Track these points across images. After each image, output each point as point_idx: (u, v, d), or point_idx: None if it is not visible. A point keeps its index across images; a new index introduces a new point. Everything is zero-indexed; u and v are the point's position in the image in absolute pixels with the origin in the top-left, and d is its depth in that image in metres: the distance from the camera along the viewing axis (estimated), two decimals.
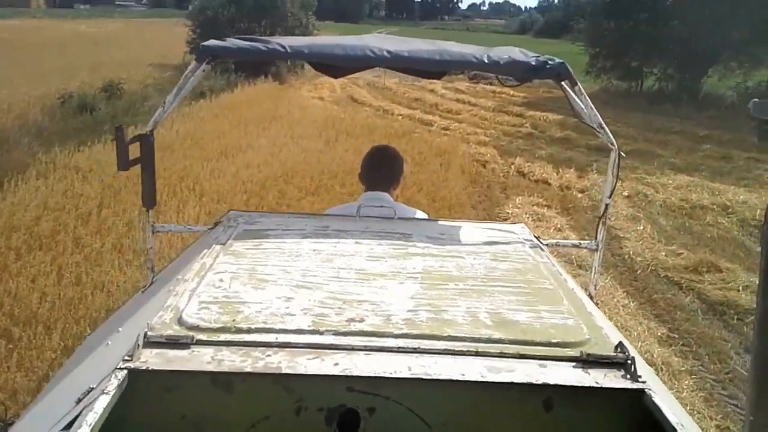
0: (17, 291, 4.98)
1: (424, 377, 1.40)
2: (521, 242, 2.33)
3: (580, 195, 9.85)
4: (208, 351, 1.45)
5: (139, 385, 1.38)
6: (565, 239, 7.64)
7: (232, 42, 2.39)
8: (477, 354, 1.50)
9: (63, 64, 20.38)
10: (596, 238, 2.72)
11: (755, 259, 6.98)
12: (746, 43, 19.64)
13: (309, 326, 1.56)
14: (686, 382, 4.81)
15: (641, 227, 8.29)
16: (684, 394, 4.63)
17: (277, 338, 1.50)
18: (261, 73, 19.87)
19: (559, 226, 8.21)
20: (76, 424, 1.23)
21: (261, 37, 2.49)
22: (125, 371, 1.37)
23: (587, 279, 2.93)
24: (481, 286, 1.87)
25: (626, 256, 7.40)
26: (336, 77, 3.07)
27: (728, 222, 8.74)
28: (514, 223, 2.69)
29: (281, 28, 22.58)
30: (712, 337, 5.57)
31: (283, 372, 1.39)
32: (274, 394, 1.45)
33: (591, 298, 2.57)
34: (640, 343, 5.25)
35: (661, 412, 1.35)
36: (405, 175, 3.03)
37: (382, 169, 2.88)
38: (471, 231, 2.44)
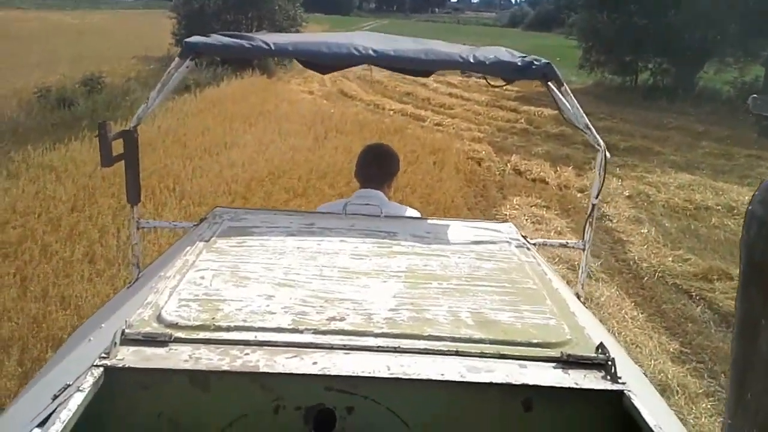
0: None
1: (402, 377, 1.39)
2: (507, 241, 2.31)
3: (579, 195, 9.46)
4: (186, 349, 1.44)
5: (115, 382, 1.37)
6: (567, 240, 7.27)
7: (215, 38, 2.38)
8: (457, 354, 1.49)
9: (44, 56, 19.78)
10: (583, 238, 2.71)
11: None
12: (742, 38, 19.33)
13: (289, 325, 1.55)
14: (704, 405, 4.43)
15: (645, 230, 7.91)
16: (703, 419, 4.26)
17: (256, 336, 1.49)
18: (248, 66, 19.29)
19: (559, 228, 7.82)
20: (49, 421, 1.22)
21: (245, 33, 2.49)
22: (101, 369, 1.35)
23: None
24: (464, 285, 1.86)
25: (631, 262, 7.02)
26: (323, 74, 3.36)
27: (734, 224, 8.37)
28: (502, 222, 2.66)
29: (268, 20, 22.03)
30: (727, 352, 5.19)
31: (261, 371, 1.38)
32: (251, 392, 1.44)
33: (578, 297, 2.56)
34: (652, 361, 4.88)
35: (639, 413, 1.33)
36: (398, 174, 3.03)
37: (374, 166, 2.90)
38: (458, 230, 2.42)
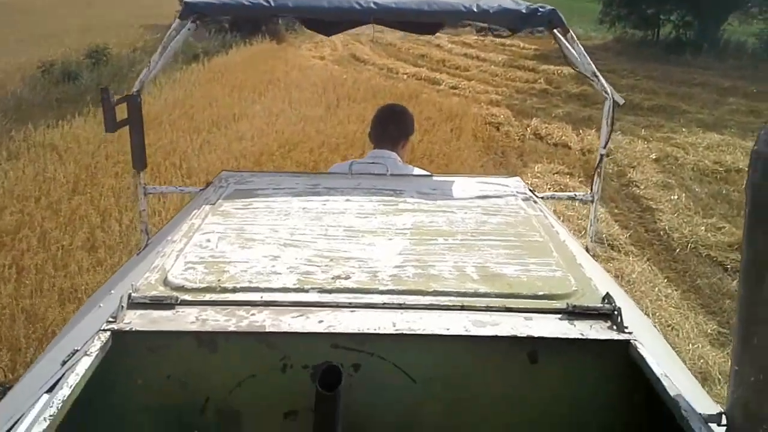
0: None
1: (408, 332, 1.40)
2: (514, 195, 2.29)
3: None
4: (193, 311, 1.45)
5: (123, 346, 1.38)
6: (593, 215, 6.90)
7: None
8: (462, 308, 1.49)
9: (51, 29, 19.44)
10: (591, 190, 2.69)
11: None
12: None
13: (294, 284, 1.56)
14: None
15: (675, 196, 7.49)
16: None
17: (262, 297, 1.50)
18: (257, 32, 18.82)
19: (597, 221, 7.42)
20: (57, 386, 1.23)
21: None
22: (108, 333, 1.36)
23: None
24: (470, 240, 1.86)
25: (662, 232, 6.63)
26: (328, 35, 3.12)
27: None
28: (510, 176, 2.61)
29: None
30: None
31: (267, 330, 1.39)
32: (258, 352, 1.43)
33: (587, 250, 2.52)
34: (690, 345, 4.54)
35: (645, 362, 1.33)
36: (413, 142, 3.02)
37: (389, 126, 2.87)
38: (464, 185, 2.39)
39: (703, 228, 6.59)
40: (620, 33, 21.94)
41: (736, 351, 1.10)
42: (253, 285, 1.55)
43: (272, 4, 2.35)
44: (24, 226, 5.44)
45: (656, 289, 5.34)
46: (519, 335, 1.41)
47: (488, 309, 1.49)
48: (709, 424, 1.18)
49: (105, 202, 6.01)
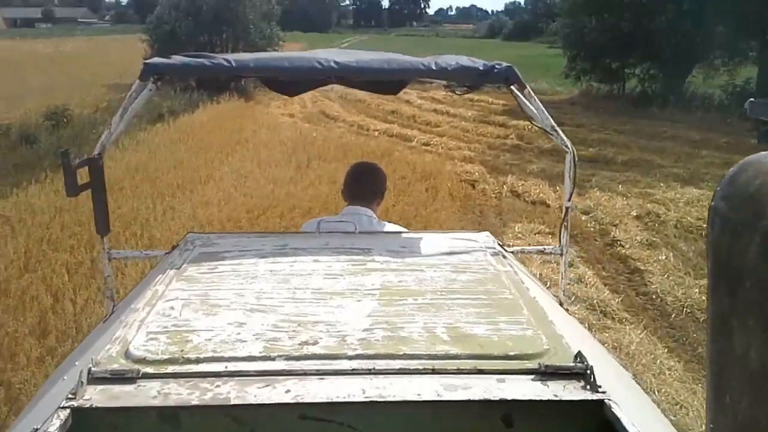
0: None
1: (378, 399, 1.36)
2: (483, 250, 2.27)
3: (584, 217, 8.78)
4: (155, 384, 1.39)
5: (83, 424, 1.32)
6: (581, 274, 6.58)
7: (176, 59, 2.33)
8: (433, 372, 1.45)
9: (11, 89, 18.93)
10: (560, 243, 2.69)
11: None
12: (729, 39, 18.87)
13: (260, 352, 1.51)
14: None
15: (663, 256, 7.22)
16: None
17: (226, 367, 1.45)
18: (225, 90, 18.54)
19: (570, 260, 7.09)
20: None
21: (207, 53, 2.40)
22: (68, 410, 1.31)
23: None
24: (439, 299, 1.83)
25: (654, 296, 6.31)
26: (291, 96, 3.08)
27: None
28: (479, 231, 2.58)
29: (243, 41, 21.32)
30: None
31: (232, 403, 1.34)
32: (223, 426, 1.37)
33: (561, 304, 2.51)
34: (703, 425, 4.15)
35: (620, 422, 1.30)
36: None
37: (363, 182, 2.88)
38: (433, 242, 2.37)
39: (696, 290, 6.30)
40: (586, 87, 22.19)
41: (711, 409, 1.08)
42: (217, 354, 1.50)
43: (233, 65, 2.32)
44: None
45: (658, 361, 4.98)
46: (492, 399, 1.37)
47: (459, 372, 1.46)
48: None
49: (58, 280, 5.50)
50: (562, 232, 2.70)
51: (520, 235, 7.95)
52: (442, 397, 1.38)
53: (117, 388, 1.38)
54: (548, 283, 5.67)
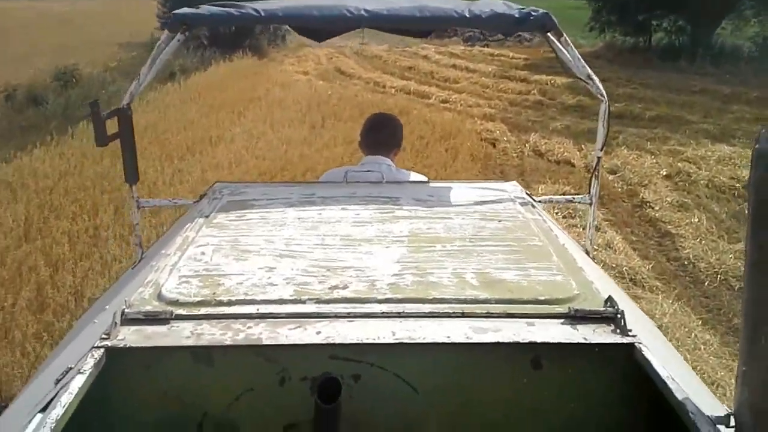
0: None
1: (407, 341, 1.38)
2: (512, 200, 2.27)
3: (611, 177, 8.36)
4: (188, 325, 1.42)
5: (117, 363, 1.36)
6: (609, 239, 6.23)
7: (204, 9, 2.33)
8: (463, 315, 1.47)
9: (24, 48, 18.64)
10: (589, 192, 2.65)
11: None
12: None
13: (291, 296, 1.53)
14: None
15: (695, 219, 6.82)
16: None
17: (258, 309, 1.48)
18: (238, 47, 18.06)
19: (596, 223, 6.72)
20: (51, 405, 1.21)
21: (235, 2, 2.38)
22: (102, 350, 1.34)
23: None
24: (468, 246, 1.83)
25: (686, 261, 5.95)
26: (320, 41, 3.07)
27: None
28: (506, 181, 2.59)
29: None
30: None
31: (264, 343, 1.37)
32: (256, 365, 1.40)
33: (587, 253, 2.48)
34: None
35: (651, 365, 1.31)
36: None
37: (380, 132, 2.87)
38: (461, 191, 2.37)
39: (731, 256, 5.91)
40: (611, 40, 21.40)
41: (743, 351, 1.08)
42: (248, 297, 1.53)
43: (262, 14, 2.31)
44: None
45: (692, 335, 4.65)
46: (521, 341, 1.38)
47: (489, 315, 1.47)
48: (717, 426, 1.15)
49: (58, 249, 5.26)
50: (593, 181, 2.64)
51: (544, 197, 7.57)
52: (471, 340, 1.39)
53: (150, 329, 1.41)
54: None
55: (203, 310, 1.47)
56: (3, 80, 12.20)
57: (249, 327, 1.41)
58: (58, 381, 1.32)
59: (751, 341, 1.05)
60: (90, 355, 1.32)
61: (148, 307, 1.48)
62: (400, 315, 1.46)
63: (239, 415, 1.43)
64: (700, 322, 4.88)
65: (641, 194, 7.69)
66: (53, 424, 1.14)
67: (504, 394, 1.46)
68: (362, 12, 2.28)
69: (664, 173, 8.47)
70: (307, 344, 1.37)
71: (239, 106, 11.19)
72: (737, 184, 7.95)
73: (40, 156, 7.85)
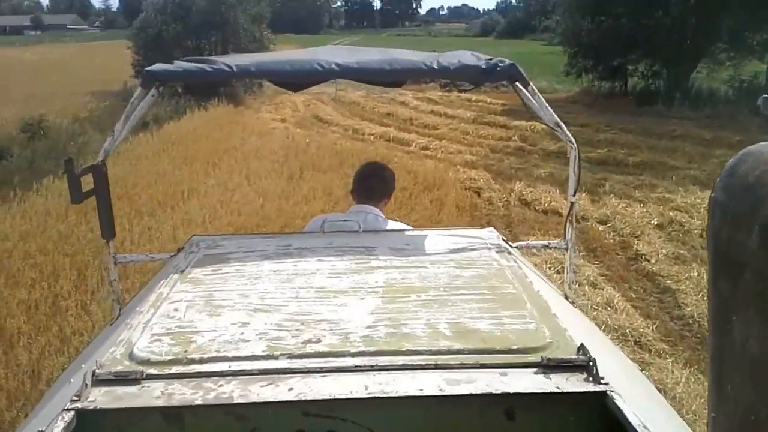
0: None
1: (381, 396, 1.37)
2: (487, 247, 2.28)
3: (602, 228, 8.06)
4: (159, 385, 1.41)
5: (88, 425, 1.35)
6: (609, 298, 5.87)
7: (177, 65, 2.34)
8: (436, 367, 1.47)
9: None
10: (565, 237, 2.64)
11: None
12: (735, 32, 18.22)
13: (263, 351, 1.52)
14: None
15: (694, 273, 6.50)
16: None
17: (230, 366, 1.47)
18: (214, 95, 17.75)
19: (591, 278, 6.40)
20: None
21: (208, 57, 2.44)
22: (72, 412, 1.33)
23: None
24: (443, 295, 1.84)
25: (690, 320, 5.60)
26: (296, 91, 3.13)
27: None
28: (483, 227, 2.61)
29: (233, 44, 20.51)
30: None
31: (236, 401, 1.36)
32: (227, 425, 1.40)
33: (566, 297, 2.45)
34: None
35: (623, 413, 1.32)
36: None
37: (368, 181, 2.89)
38: (437, 239, 2.38)
39: None
40: (587, 85, 21.52)
41: (712, 399, 1.11)
42: (221, 354, 1.51)
43: (234, 69, 2.29)
44: None
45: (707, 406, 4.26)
46: (494, 392, 1.38)
47: (462, 366, 1.47)
48: None
49: (13, 323, 4.76)
50: (567, 226, 2.64)
51: (534, 251, 7.22)
52: (444, 392, 1.38)
53: (121, 390, 1.39)
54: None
55: (174, 369, 1.45)
56: None
57: (220, 385, 1.39)
58: None
59: (717, 388, 1.07)
60: (60, 417, 1.30)
61: (120, 367, 1.46)
62: (373, 368, 1.45)
63: None
64: None
65: (635, 246, 7.38)
66: None
67: None
68: (333, 66, 2.30)
69: (656, 223, 8.20)
70: (279, 401, 1.35)
71: (214, 157, 10.81)
72: None
73: (1, 215, 7.36)
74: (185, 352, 1.51)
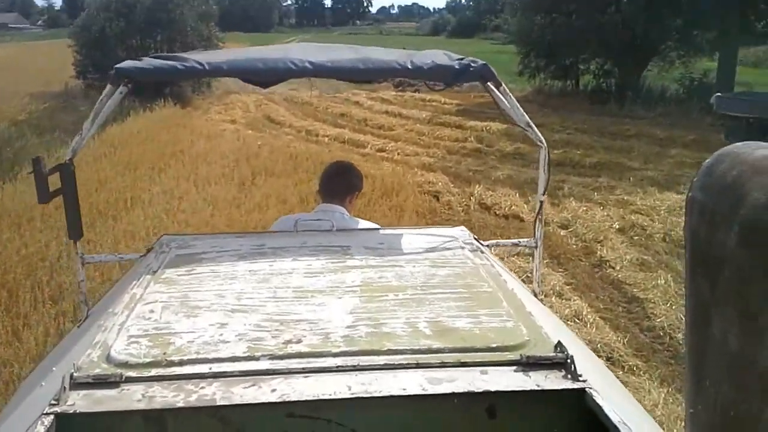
0: None
1: (364, 395, 1.38)
2: (461, 246, 2.29)
3: (563, 233, 7.88)
4: (139, 388, 1.40)
5: (67, 429, 1.33)
6: (577, 310, 5.65)
7: (147, 62, 2.35)
8: (417, 366, 1.47)
9: None
10: (534, 236, 2.67)
11: None
12: (685, 32, 18.43)
13: (244, 352, 1.51)
14: None
15: (661, 280, 6.32)
16: None
17: (211, 368, 1.45)
18: (159, 96, 17.08)
19: (557, 287, 6.17)
20: None
21: (178, 54, 2.44)
22: (52, 416, 1.32)
23: None
24: (420, 294, 1.86)
25: (661, 332, 5.41)
26: (265, 87, 3.04)
27: None
28: (455, 226, 2.63)
29: (180, 43, 19.79)
30: None
31: (218, 404, 1.35)
32: (210, 427, 1.39)
33: (535, 295, 2.49)
34: None
35: (602, 410, 1.33)
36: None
37: (336, 180, 2.92)
38: (411, 238, 2.40)
39: None
40: (540, 84, 21.54)
41: (690, 394, 1.12)
42: (201, 356, 1.49)
43: (206, 67, 2.31)
44: None
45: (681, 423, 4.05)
46: (476, 390, 1.39)
47: (443, 365, 1.47)
48: None
49: None
50: (537, 225, 2.66)
51: (495, 253, 6.97)
52: (426, 391, 1.39)
53: (100, 393, 1.37)
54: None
55: (154, 371, 1.44)
56: None
57: (202, 387, 1.38)
58: None
59: (695, 385, 1.08)
60: (39, 422, 1.29)
61: (97, 370, 1.44)
62: (355, 368, 1.46)
63: None
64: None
65: (598, 252, 7.21)
66: None
67: None
68: (306, 64, 2.30)
69: (617, 227, 8.04)
70: (262, 403, 1.35)
71: (160, 162, 10.29)
72: None
73: None
74: (164, 354, 1.49)
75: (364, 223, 2.86)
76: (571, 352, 1.48)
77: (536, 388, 1.40)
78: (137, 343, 1.54)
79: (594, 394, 1.37)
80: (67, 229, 2.46)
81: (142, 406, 1.34)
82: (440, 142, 13.93)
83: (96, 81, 19.37)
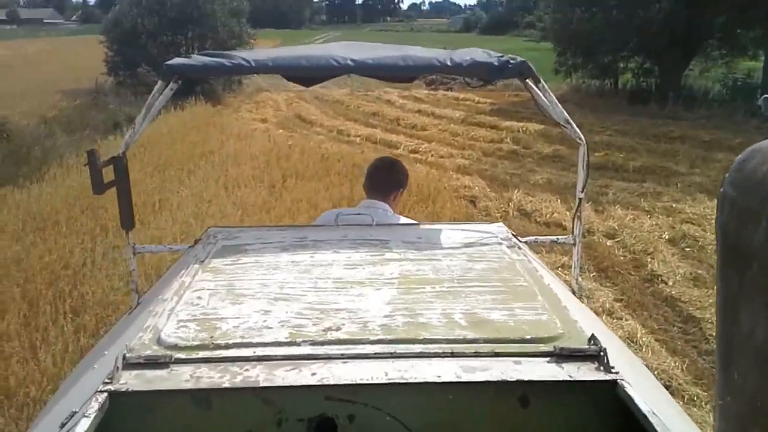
0: None
1: (400, 381, 1.42)
2: (498, 242, 2.33)
3: (610, 243, 7.45)
4: (187, 369, 1.46)
5: (120, 407, 1.39)
6: (631, 332, 5.25)
7: (196, 59, 2.43)
8: (452, 355, 1.51)
9: None
10: (573, 233, 2.72)
11: None
12: (727, 30, 17.73)
13: (286, 338, 1.57)
14: None
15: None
16: None
17: (254, 352, 1.51)
18: (190, 93, 16.90)
19: (607, 305, 5.77)
20: None
21: (225, 52, 2.51)
22: (105, 394, 1.37)
23: None
24: (457, 287, 1.89)
25: None
26: (308, 86, 3.16)
27: None
28: (492, 222, 2.65)
29: (211, 39, 19.68)
30: None
31: (261, 385, 1.40)
32: (254, 407, 1.44)
33: (574, 293, 2.54)
34: None
35: (633, 401, 1.35)
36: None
37: (378, 176, 2.91)
38: (449, 233, 2.45)
39: None
40: (576, 83, 20.96)
41: (719, 386, 1.13)
42: (245, 340, 1.55)
43: (252, 64, 2.37)
44: None
45: None
46: (509, 379, 1.42)
47: (477, 355, 1.50)
48: None
49: None
50: (575, 222, 2.70)
51: (533, 254, 6.59)
52: (461, 379, 1.42)
53: (151, 373, 1.43)
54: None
55: (201, 354, 1.49)
56: None
57: (246, 369, 1.43)
58: (63, 425, 1.34)
59: (725, 376, 1.09)
60: (94, 398, 1.34)
61: (148, 352, 1.49)
62: (392, 355, 1.49)
63: None
64: None
65: (649, 265, 6.77)
66: None
67: (494, 430, 1.49)
68: (348, 61, 2.35)
69: (667, 237, 7.59)
70: (303, 386, 1.39)
71: (189, 163, 10.06)
72: None
73: None
74: (211, 337, 1.55)
75: (404, 220, 2.87)
76: (604, 345, 1.50)
77: (568, 378, 1.42)
78: (186, 327, 1.61)
79: (625, 385, 1.39)
80: (120, 219, 2.58)
81: (189, 385, 1.39)
82: (475, 143, 13.52)
83: (127, 78, 19.34)
